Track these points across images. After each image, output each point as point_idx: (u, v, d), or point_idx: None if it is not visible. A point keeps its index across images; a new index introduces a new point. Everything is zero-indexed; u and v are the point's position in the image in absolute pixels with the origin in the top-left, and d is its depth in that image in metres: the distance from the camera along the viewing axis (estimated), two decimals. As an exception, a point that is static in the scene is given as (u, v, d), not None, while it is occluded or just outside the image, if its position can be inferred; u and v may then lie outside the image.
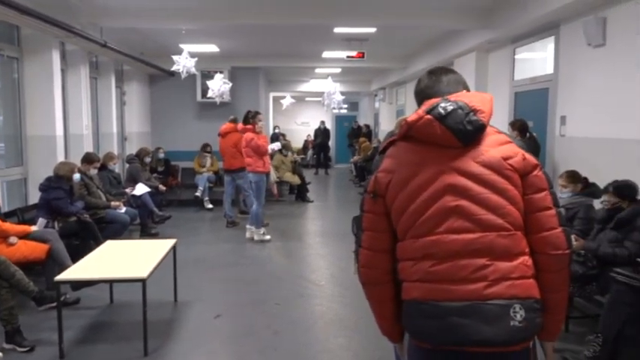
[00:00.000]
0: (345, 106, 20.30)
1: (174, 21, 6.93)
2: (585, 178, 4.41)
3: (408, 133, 1.66)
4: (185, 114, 11.37)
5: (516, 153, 1.59)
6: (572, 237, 3.93)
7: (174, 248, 4.75)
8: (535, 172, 1.59)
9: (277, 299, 4.98)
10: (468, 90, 1.76)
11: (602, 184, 4.09)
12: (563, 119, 5.53)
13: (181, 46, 8.38)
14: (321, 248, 7.24)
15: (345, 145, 18.99)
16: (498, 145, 1.60)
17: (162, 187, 8.80)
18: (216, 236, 7.83)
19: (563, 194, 4.33)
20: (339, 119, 21.17)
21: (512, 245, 1.53)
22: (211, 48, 9.54)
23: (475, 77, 7.70)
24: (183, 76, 7.81)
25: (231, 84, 9.54)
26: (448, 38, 8.19)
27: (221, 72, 9.80)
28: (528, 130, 5.39)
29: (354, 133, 17.08)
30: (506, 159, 1.57)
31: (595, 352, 3.30)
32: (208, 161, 10.31)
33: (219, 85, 9.05)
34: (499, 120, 6.84)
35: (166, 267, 4.57)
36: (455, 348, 1.53)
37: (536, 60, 6.57)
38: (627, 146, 4.50)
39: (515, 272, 1.51)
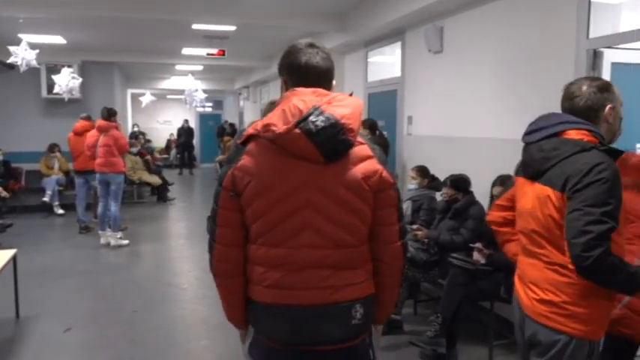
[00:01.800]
0: (210, 104, 19.96)
1: (8, 8, 6.25)
2: (432, 175, 4.85)
3: (274, 141, 1.56)
4: (28, 111, 10.26)
5: (375, 171, 1.60)
6: (416, 226, 4.32)
7: (14, 259, 4.31)
8: (388, 191, 1.64)
9: (135, 306, 4.76)
10: (330, 81, 1.68)
11: (443, 178, 4.51)
12: (409, 119, 5.99)
13: (20, 36, 7.60)
14: (184, 250, 7.06)
15: (210, 144, 18.64)
16: (360, 161, 1.59)
17: (2, 192, 7.92)
18: (67, 243, 7.24)
19: (411, 185, 4.76)
20: (203, 118, 20.71)
21: (357, 258, 1.65)
22: (57, 40, 8.76)
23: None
24: (22, 69, 7.08)
25: (81, 79, 8.86)
26: (306, 39, 8.42)
27: (69, 66, 9.05)
28: (377, 129, 5.74)
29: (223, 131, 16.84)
30: (366, 179, 1.58)
31: (436, 332, 3.63)
32: (57, 163, 9.49)
33: (67, 80, 8.34)
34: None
35: (5, 280, 4.14)
36: (304, 347, 1.64)
37: (387, 63, 7.04)
38: (462, 143, 5.00)
39: (358, 278, 1.64)
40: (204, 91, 12.58)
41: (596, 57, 3.49)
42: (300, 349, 1.64)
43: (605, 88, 1.96)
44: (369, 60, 7.35)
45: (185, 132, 17.29)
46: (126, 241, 7.02)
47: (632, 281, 1.78)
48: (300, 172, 1.56)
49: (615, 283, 1.79)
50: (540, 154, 1.93)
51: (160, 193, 10.94)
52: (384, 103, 6.71)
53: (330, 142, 1.52)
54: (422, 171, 4.83)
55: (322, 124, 1.50)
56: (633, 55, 3.53)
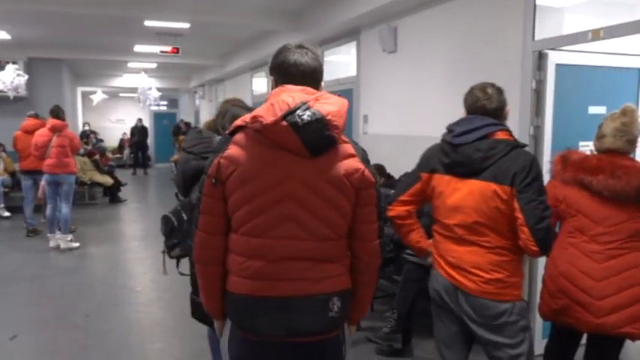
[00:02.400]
0: (164, 103, 19.59)
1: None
2: (388, 173, 4.91)
3: (260, 132, 1.60)
4: (-31, 109, 9.82)
5: (358, 169, 1.65)
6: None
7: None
8: (369, 190, 1.68)
9: (87, 311, 4.62)
10: (318, 81, 1.73)
11: (398, 177, 4.58)
12: (365, 118, 6.06)
13: (-39, 30, 7.26)
14: (138, 252, 6.90)
15: (165, 143, 18.27)
16: (343, 158, 1.64)
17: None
18: (12, 247, 6.94)
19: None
20: (157, 116, 20.26)
21: (336, 251, 1.70)
22: (0, 35, 8.41)
23: (289, 77, 8.03)
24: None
25: (27, 76, 8.54)
26: (264, 38, 8.38)
27: (14, 62, 8.72)
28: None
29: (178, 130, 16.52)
30: (348, 176, 1.63)
31: (392, 327, 3.69)
32: (2, 163, 9.09)
33: (12, 78, 8.05)
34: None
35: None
36: (280, 339, 1.66)
37: (343, 62, 7.08)
38: (418, 142, 5.07)
39: (336, 272, 1.69)
40: (159, 90, 12.38)
41: (541, 58, 3.62)
42: (277, 341, 1.67)
43: (502, 91, 2.31)
44: (325, 59, 7.38)
45: (139, 131, 16.86)
46: (76, 244, 6.79)
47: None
48: (284, 164, 1.60)
49: (550, 251, 2.22)
50: (479, 154, 2.16)
51: (112, 194, 10.65)
52: (340, 102, 6.75)
53: (315, 136, 1.56)
54: (378, 170, 4.89)
55: (308, 119, 1.55)
56: (576, 57, 3.67)
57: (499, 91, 2.29)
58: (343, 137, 1.67)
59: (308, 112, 1.55)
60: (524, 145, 2.23)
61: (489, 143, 2.16)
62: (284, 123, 1.54)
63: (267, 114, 1.57)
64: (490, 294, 2.18)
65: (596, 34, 3.20)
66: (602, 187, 2.41)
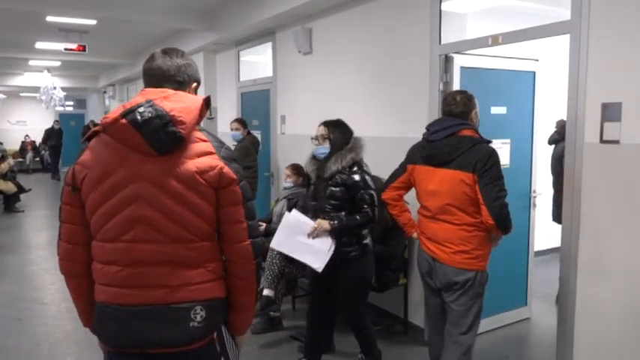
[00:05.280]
0: (70, 103, 18.53)
1: None
2: (306, 173, 4.95)
3: (105, 132, 1.58)
4: None
5: (214, 167, 1.58)
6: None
7: None
8: (231, 187, 1.61)
9: (-13, 328, 4.29)
10: (186, 83, 1.71)
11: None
12: (283, 118, 6.08)
13: None
14: (45, 262, 6.47)
15: (73, 146, 17.25)
16: (197, 156, 1.58)
17: None
18: None
19: (286, 184, 4.82)
20: (64, 118, 19.09)
21: (197, 255, 1.61)
22: None
23: (204, 77, 7.85)
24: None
25: None
26: (176, 37, 8.16)
27: None
28: (246, 127, 5.73)
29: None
30: (201, 174, 1.57)
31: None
32: None
33: None
34: (227, 119, 7.14)
35: None
36: (136, 350, 1.60)
37: (259, 63, 7.06)
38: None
39: (198, 278, 1.60)
40: (64, 89, 11.69)
41: (447, 61, 3.82)
42: (135, 352, 1.61)
43: (470, 98, 2.83)
44: (241, 59, 7.32)
45: (55, 134, 15.85)
46: (-26, 256, 6.28)
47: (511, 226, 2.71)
48: (132, 165, 1.56)
49: (510, 227, 2.68)
50: (448, 148, 2.70)
51: (9, 202, 9.88)
52: (258, 103, 6.73)
53: (157, 133, 1.52)
54: (296, 169, 4.92)
55: (149, 115, 1.51)
56: (478, 60, 3.91)
57: (467, 97, 2.82)
58: (201, 135, 1.62)
59: (149, 109, 1.53)
60: (488, 141, 2.73)
61: (456, 139, 2.69)
62: (123, 120, 1.51)
63: (112, 114, 1.56)
64: (458, 263, 2.71)
65: (496, 40, 3.43)
66: None
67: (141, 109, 1.53)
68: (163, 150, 1.54)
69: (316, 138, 3.43)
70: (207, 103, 1.65)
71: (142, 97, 1.58)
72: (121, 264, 1.57)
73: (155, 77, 1.68)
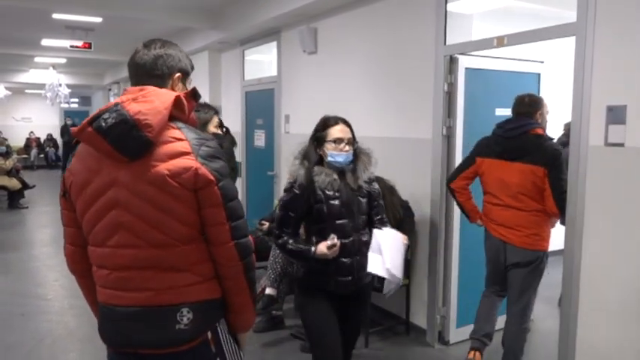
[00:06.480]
0: (75, 100, 18.57)
1: None
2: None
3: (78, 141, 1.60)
4: None
5: (188, 168, 1.52)
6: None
7: None
8: (209, 188, 1.55)
9: (-9, 323, 4.31)
10: (166, 75, 1.66)
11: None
12: (287, 118, 6.08)
13: None
14: (49, 259, 6.50)
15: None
16: (169, 158, 1.52)
17: None
18: None
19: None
20: (69, 115, 19.09)
21: (179, 259, 1.58)
22: None
23: (209, 76, 7.88)
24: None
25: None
26: (181, 35, 8.16)
27: None
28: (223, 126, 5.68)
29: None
30: (174, 176, 1.51)
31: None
32: None
33: None
34: (232, 118, 7.14)
35: None
36: (129, 350, 1.64)
37: (264, 62, 7.06)
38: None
39: (184, 281, 1.59)
40: (69, 86, 11.72)
41: (452, 62, 3.82)
42: (129, 352, 1.64)
43: (537, 100, 3.30)
44: (246, 58, 7.33)
45: (68, 131, 15.92)
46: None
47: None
48: (108, 171, 1.56)
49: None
50: (522, 144, 3.12)
51: (14, 199, 9.92)
52: (262, 102, 6.73)
53: (123, 139, 1.48)
54: (298, 169, 4.92)
55: (112, 121, 1.48)
56: (483, 62, 3.91)
57: (534, 100, 3.27)
58: (177, 134, 1.56)
59: (113, 115, 1.49)
60: (551, 139, 3.22)
61: (529, 137, 3.13)
62: (89, 129, 1.50)
63: (83, 121, 1.54)
64: (530, 244, 3.15)
65: (501, 41, 3.42)
66: None
67: (105, 115, 1.50)
68: (132, 155, 1.51)
69: (340, 141, 2.72)
70: (194, 95, 1.63)
71: (118, 98, 1.58)
72: (109, 268, 1.61)
73: (135, 74, 1.67)
